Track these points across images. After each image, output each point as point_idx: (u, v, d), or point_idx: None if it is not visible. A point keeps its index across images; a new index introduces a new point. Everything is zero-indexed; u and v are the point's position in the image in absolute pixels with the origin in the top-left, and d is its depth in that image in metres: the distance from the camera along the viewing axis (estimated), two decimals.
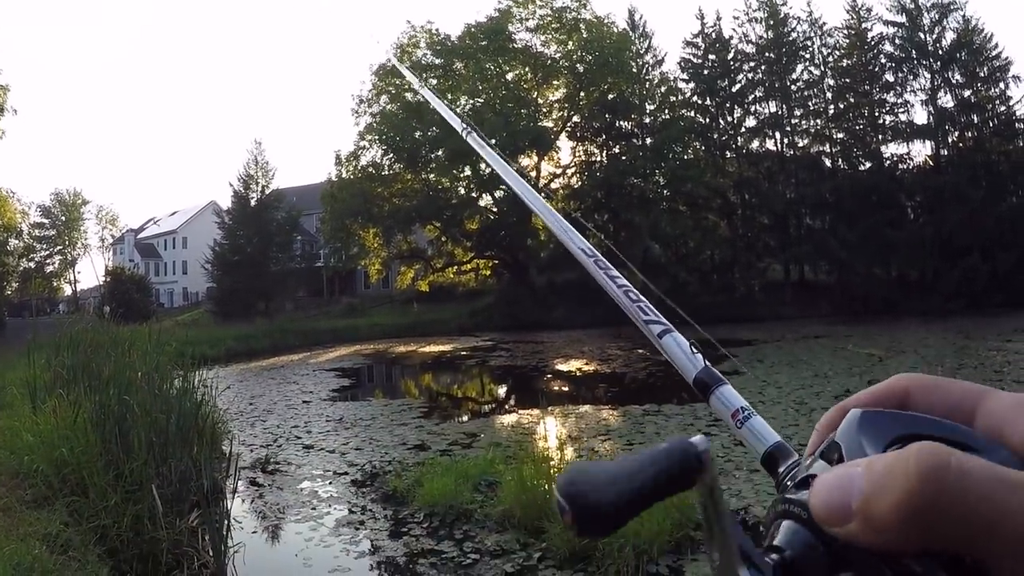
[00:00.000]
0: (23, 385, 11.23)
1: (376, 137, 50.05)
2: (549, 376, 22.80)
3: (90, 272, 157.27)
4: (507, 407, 17.46)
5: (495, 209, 50.86)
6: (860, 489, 0.36)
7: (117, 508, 6.62)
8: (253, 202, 51.67)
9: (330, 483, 9.82)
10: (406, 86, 49.83)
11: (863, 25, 48.25)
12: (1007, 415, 0.40)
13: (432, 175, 50.12)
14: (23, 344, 13.11)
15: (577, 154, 51.82)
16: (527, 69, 50.92)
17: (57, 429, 7.78)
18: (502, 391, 21.24)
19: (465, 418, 15.40)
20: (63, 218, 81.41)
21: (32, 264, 76.06)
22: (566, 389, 20.23)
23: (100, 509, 6.60)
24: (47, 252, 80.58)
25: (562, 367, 24.36)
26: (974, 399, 0.42)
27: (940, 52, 46.16)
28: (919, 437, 0.39)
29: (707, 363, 0.78)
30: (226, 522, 7.17)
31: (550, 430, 13.12)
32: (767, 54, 49.15)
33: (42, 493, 6.83)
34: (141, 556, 6.38)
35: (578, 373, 22.82)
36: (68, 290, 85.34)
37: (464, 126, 1.80)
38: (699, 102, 50.37)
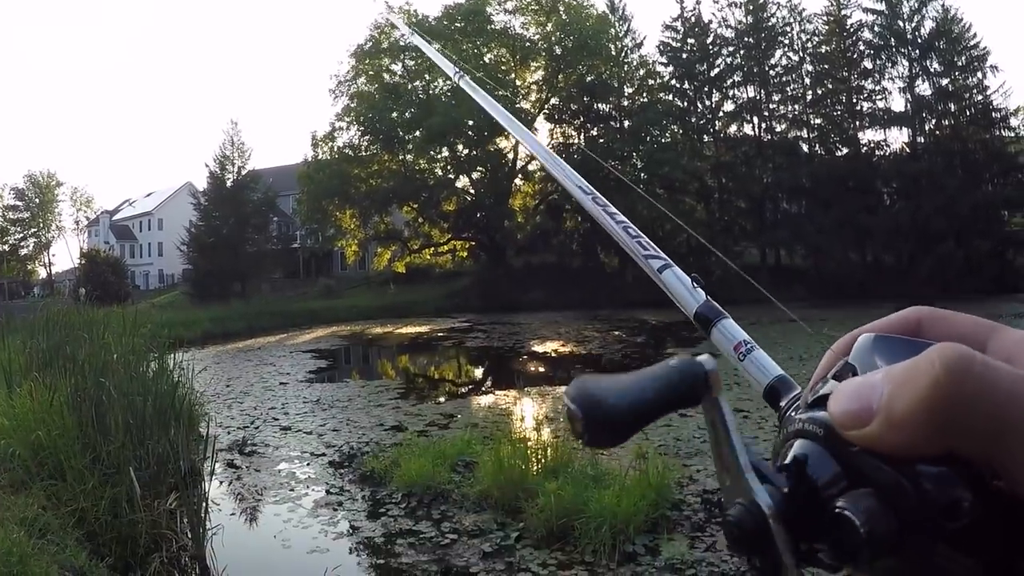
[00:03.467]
0: None
1: (353, 118, 49.80)
2: (526, 357, 22.89)
3: (65, 255, 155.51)
4: (484, 388, 17.55)
5: (472, 190, 50.81)
6: (882, 391, 0.35)
7: (95, 491, 6.61)
8: (229, 183, 51.15)
9: (308, 464, 9.85)
10: (384, 67, 49.63)
11: (842, 12, 48.45)
12: (1014, 350, 0.40)
13: (409, 156, 49.95)
14: None
15: (555, 136, 51.71)
16: (505, 51, 50.78)
17: (33, 412, 7.75)
18: (479, 372, 21.33)
19: (442, 399, 15.44)
20: (37, 200, 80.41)
21: (6, 247, 75.22)
22: (543, 370, 20.34)
23: (78, 492, 6.59)
24: (21, 235, 79.64)
25: (539, 348, 24.46)
26: (985, 333, 0.42)
27: (919, 40, 46.43)
28: None
29: (708, 297, 0.81)
30: (204, 504, 7.19)
31: (527, 411, 13.22)
32: (746, 39, 49.20)
33: (19, 477, 6.80)
34: (119, 539, 6.38)
35: (554, 354, 22.92)
36: (43, 273, 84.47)
37: (456, 70, 1.82)
38: (677, 86, 50.40)
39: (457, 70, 1.77)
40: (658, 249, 0.87)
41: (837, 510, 0.36)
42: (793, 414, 0.44)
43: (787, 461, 0.41)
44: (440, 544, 6.75)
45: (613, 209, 0.95)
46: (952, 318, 0.44)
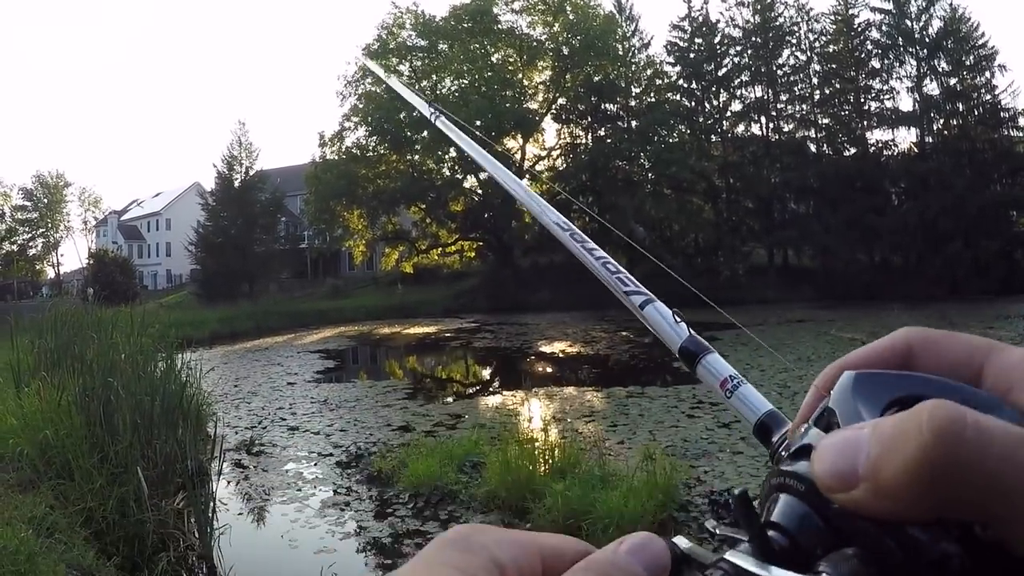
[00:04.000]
0: (6, 368, 11.18)
1: (361, 119, 49.83)
2: (533, 358, 22.89)
3: (73, 255, 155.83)
4: (491, 389, 17.55)
5: (480, 191, 50.85)
6: (867, 452, 0.33)
7: (102, 490, 6.62)
8: (237, 183, 51.22)
9: (315, 464, 9.86)
10: (391, 67, 49.61)
11: (850, 11, 48.31)
12: (1014, 374, 0.37)
13: (417, 156, 49.97)
14: (6, 327, 13.03)
15: (562, 136, 51.75)
16: (512, 51, 50.77)
17: (41, 412, 7.77)
18: (486, 373, 21.32)
19: (450, 399, 15.45)
20: (45, 200, 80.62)
21: (14, 247, 75.46)
22: (550, 371, 20.32)
23: (85, 492, 6.60)
24: (30, 235, 79.88)
25: (546, 349, 24.45)
26: (982, 355, 0.39)
27: (926, 40, 46.24)
28: (920, 399, 0.34)
29: (692, 331, 0.78)
30: (212, 504, 7.21)
31: (534, 412, 13.22)
32: (754, 38, 49.08)
33: (27, 476, 6.82)
34: (127, 538, 6.39)
35: (562, 355, 22.91)
36: (51, 273, 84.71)
37: (432, 111, 1.80)
38: (685, 86, 50.29)
39: (432, 110, 1.75)
40: (639, 284, 0.86)
41: (820, 574, 0.34)
42: (780, 460, 0.42)
43: (772, 518, 0.38)
44: None
45: (592, 245, 0.93)
46: (945, 342, 0.41)
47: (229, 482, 9.08)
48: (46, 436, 7.24)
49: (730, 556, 0.35)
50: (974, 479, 0.30)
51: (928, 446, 0.30)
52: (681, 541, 0.38)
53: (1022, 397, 0.36)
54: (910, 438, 0.31)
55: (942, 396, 0.33)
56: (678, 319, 0.78)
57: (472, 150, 1.45)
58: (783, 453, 0.43)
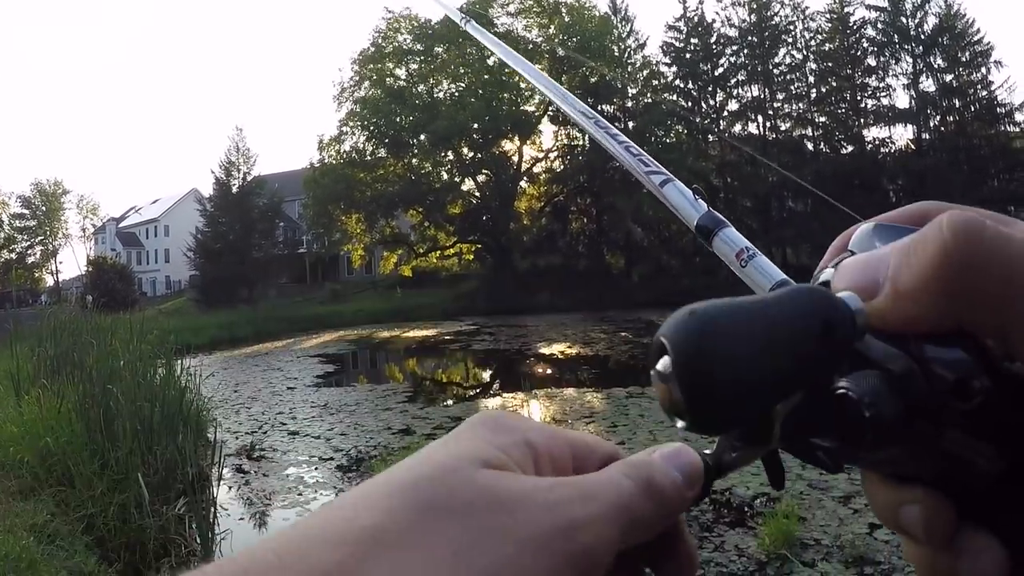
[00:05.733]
0: (6, 376, 11.21)
1: (358, 123, 49.89)
2: (532, 359, 22.89)
3: (72, 262, 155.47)
4: (491, 391, 17.56)
5: (478, 193, 50.87)
6: (888, 263, 0.34)
7: (103, 497, 6.64)
8: (235, 189, 51.27)
9: (316, 469, 9.86)
10: (388, 71, 49.62)
11: (845, 9, 48.22)
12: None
13: (415, 160, 50.01)
14: (5, 335, 13.05)
15: (559, 138, 51.69)
16: None
17: (41, 419, 7.79)
18: (486, 375, 21.33)
19: (450, 402, 15.44)
20: (44, 208, 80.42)
21: (13, 255, 75.38)
22: (549, 372, 20.32)
23: (86, 498, 6.63)
24: (28, 243, 79.72)
25: (545, 350, 24.45)
26: (995, 221, 0.38)
27: (922, 37, 46.22)
28: None
29: (710, 208, 0.80)
30: (213, 509, 7.23)
31: (534, 413, 13.21)
32: (749, 38, 49.07)
33: (28, 484, 6.84)
34: (128, 544, 6.40)
35: (561, 356, 22.91)
36: (50, 280, 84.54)
37: (462, 16, 1.85)
38: (681, 86, 50.34)
39: (463, 16, 1.82)
40: (660, 165, 0.88)
41: (840, 391, 0.33)
42: None
43: None
44: None
45: (615, 131, 0.97)
46: (961, 208, 0.40)
47: (230, 487, 9.07)
48: (46, 443, 7.26)
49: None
50: (994, 277, 0.31)
51: (948, 244, 0.31)
52: (707, 452, 0.39)
53: None
54: (930, 240, 0.32)
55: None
56: (697, 196, 0.80)
57: (502, 52, 1.49)
58: None
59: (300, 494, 8.68)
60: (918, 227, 0.36)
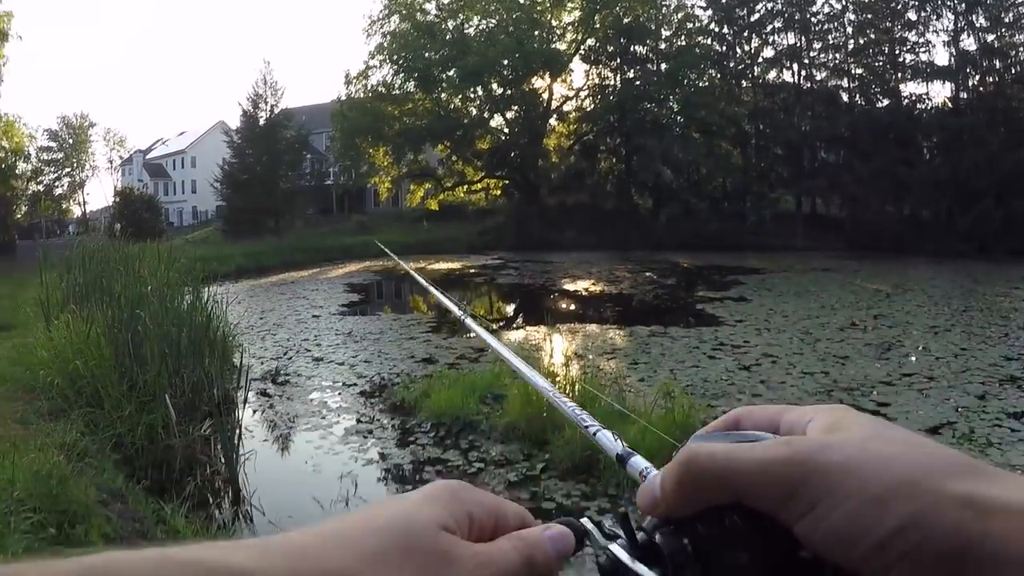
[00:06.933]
0: (36, 304, 11.38)
1: (386, 57, 49.30)
2: (557, 295, 22.95)
3: (99, 193, 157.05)
4: (515, 324, 17.63)
5: (506, 130, 50.38)
6: (659, 483, 0.50)
7: (131, 418, 6.79)
8: (262, 121, 51.03)
9: (339, 394, 10.01)
10: (418, 6, 48.86)
11: None
12: (794, 424, 0.53)
13: (444, 95, 49.48)
14: (35, 265, 13.21)
15: (591, 77, 50.87)
16: None
17: (71, 343, 7.93)
18: (510, 309, 21.42)
19: (472, 334, 15.50)
20: (70, 141, 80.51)
21: (41, 187, 75.70)
22: (573, 308, 20.37)
23: (115, 419, 6.77)
24: (55, 175, 79.93)
25: (570, 287, 24.49)
26: (778, 415, 0.54)
27: None
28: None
29: (624, 445, 0.86)
30: (237, 431, 7.38)
31: (556, 347, 13.27)
32: None
33: (58, 405, 6.98)
34: (155, 463, 6.57)
35: (585, 293, 22.95)
36: (77, 211, 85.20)
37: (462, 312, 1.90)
38: (716, 30, 48.96)
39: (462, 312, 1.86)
40: (594, 419, 0.93)
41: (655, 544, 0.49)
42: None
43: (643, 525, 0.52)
44: (467, 472, 6.86)
45: (564, 398, 1.01)
46: (758, 411, 0.56)
47: (255, 410, 9.24)
48: (76, 366, 7.40)
49: (612, 547, 0.49)
50: (712, 477, 0.47)
51: (679, 467, 0.49)
52: (587, 522, 0.53)
53: (791, 431, 0.52)
54: (672, 468, 0.50)
55: (726, 441, 0.50)
56: (617, 438, 0.86)
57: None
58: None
59: (323, 418, 8.83)
60: (729, 431, 0.55)
